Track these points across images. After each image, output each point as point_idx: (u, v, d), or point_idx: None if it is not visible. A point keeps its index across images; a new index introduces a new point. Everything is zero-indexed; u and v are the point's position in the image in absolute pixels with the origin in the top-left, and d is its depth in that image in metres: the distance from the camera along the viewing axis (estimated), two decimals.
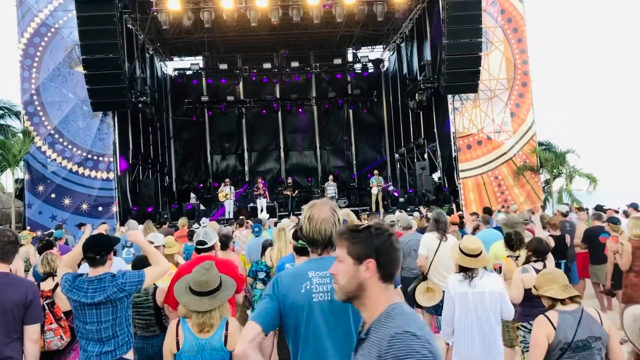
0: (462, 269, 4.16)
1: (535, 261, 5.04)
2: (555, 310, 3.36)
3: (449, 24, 16.37)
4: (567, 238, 7.90)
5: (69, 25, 16.87)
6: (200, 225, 12.45)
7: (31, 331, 3.60)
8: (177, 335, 3.30)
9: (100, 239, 4.01)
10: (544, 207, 13.56)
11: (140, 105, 18.80)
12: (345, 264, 1.95)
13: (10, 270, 3.85)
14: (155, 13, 17.33)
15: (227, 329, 3.32)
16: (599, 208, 10.35)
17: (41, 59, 17.13)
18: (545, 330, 3.29)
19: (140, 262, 4.62)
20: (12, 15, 17.09)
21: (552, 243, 7.40)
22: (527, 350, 4.75)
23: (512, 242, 5.75)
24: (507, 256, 5.79)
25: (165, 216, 16.83)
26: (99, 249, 3.74)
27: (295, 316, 2.44)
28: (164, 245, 5.78)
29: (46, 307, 4.27)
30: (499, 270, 5.62)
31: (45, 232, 12.74)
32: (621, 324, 1.80)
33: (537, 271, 4.79)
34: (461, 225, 9.61)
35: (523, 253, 5.60)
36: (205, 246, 4.78)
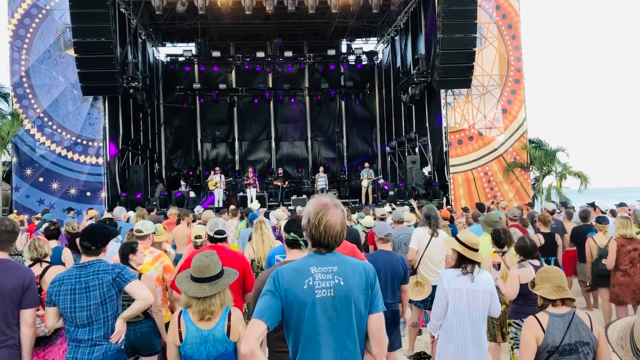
0: (461, 263, 4.14)
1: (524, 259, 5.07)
2: (546, 312, 3.37)
3: (444, 18, 16.34)
4: (557, 236, 7.95)
5: (60, 8, 16.64)
6: (194, 212, 12.39)
7: (27, 315, 3.78)
8: (179, 327, 3.27)
9: (99, 230, 4.01)
10: (532, 205, 13.64)
11: (131, 90, 18.62)
12: None
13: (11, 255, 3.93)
14: None
15: (229, 319, 3.29)
16: (588, 206, 10.41)
17: (31, 41, 16.90)
18: (534, 332, 3.31)
19: (127, 248, 4.60)
20: None
21: (541, 240, 7.47)
22: (516, 347, 4.79)
23: (501, 239, 5.78)
24: (494, 252, 5.82)
25: (154, 203, 16.72)
26: (95, 239, 3.76)
27: (298, 312, 2.41)
28: (154, 233, 5.74)
29: None
30: (498, 267, 5.65)
31: (35, 216, 12.62)
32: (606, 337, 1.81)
33: (535, 267, 4.81)
34: (451, 220, 9.66)
35: (511, 250, 5.63)
36: (224, 236, 4.77)
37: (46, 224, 8.04)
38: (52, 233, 6.73)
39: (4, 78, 17.43)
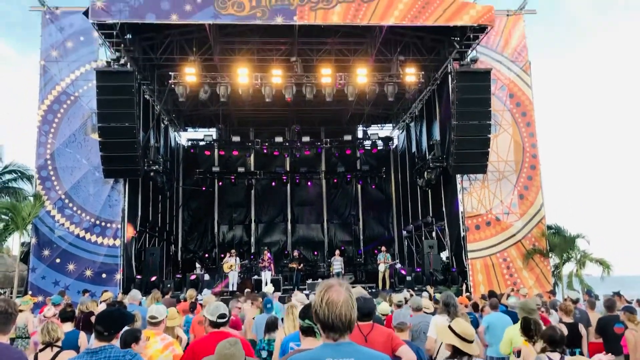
0: (456, 355, 3.99)
1: (551, 351, 4.86)
2: None
3: (459, 106, 16.73)
4: (581, 326, 7.66)
5: (88, 94, 17.39)
6: (202, 296, 12.25)
7: None
8: None
9: (114, 315, 3.97)
10: (554, 293, 13.27)
11: (152, 173, 19.03)
12: None
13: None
14: (173, 86, 17.88)
15: None
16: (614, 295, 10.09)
17: (58, 125, 17.55)
18: None
19: (131, 337, 4.51)
20: (35, 83, 17.68)
21: (564, 331, 7.18)
22: None
23: (531, 331, 5.56)
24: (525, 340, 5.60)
25: (169, 286, 16.60)
26: (109, 325, 3.72)
27: None
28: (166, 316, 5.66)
29: None
30: (517, 353, 5.43)
31: (49, 298, 12.55)
32: None
33: None
34: (475, 308, 9.38)
35: (539, 343, 5.42)
36: (226, 320, 4.70)
37: (53, 307, 8.01)
38: (67, 315, 6.67)
39: (30, 160, 17.93)
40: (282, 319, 6.55)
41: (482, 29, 16.59)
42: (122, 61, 16.27)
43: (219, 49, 18.73)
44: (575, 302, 8.85)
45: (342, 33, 18.95)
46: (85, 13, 15.56)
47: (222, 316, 4.66)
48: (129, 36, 16.85)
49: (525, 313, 6.14)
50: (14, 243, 19.12)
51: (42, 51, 17.75)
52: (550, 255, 18.21)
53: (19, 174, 19.22)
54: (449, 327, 4.10)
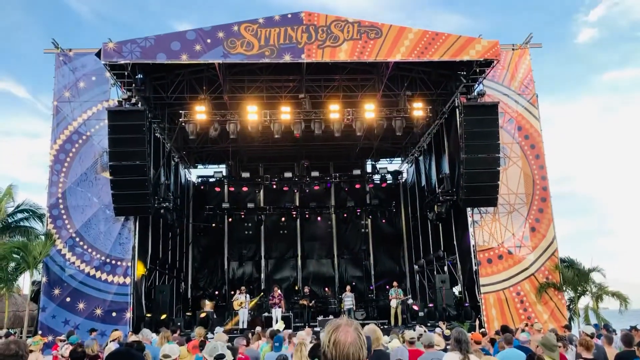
0: None
1: None
2: None
3: (467, 140, 16.77)
4: None
5: (99, 133, 17.64)
6: (214, 334, 12.13)
7: None
8: None
9: (125, 356, 3.94)
10: (569, 327, 12.98)
11: (162, 211, 19.12)
12: None
13: None
14: (183, 124, 18.12)
15: None
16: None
17: (70, 165, 17.75)
18: None
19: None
20: (47, 124, 18.00)
21: None
22: None
23: None
24: None
25: (178, 324, 16.47)
26: None
27: None
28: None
29: None
30: None
31: (59, 337, 12.48)
32: None
33: None
34: (492, 343, 9.21)
35: None
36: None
37: (70, 346, 7.97)
38: (78, 356, 6.63)
39: (41, 199, 18.08)
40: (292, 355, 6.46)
41: (488, 63, 16.77)
42: (133, 100, 16.54)
43: (229, 87, 19.04)
44: (591, 337, 8.63)
45: (349, 69, 19.24)
46: (98, 54, 15.94)
47: (219, 357, 4.59)
48: (140, 76, 17.21)
49: (549, 350, 6.00)
50: (25, 282, 19.16)
51: (55, 92, 18.10)
52: (564, 289, 17.91)
53: (31, 213, 19.34)
54: None
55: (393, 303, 19.12)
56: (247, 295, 18.84)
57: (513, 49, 19.24)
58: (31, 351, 7.99)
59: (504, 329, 10.60)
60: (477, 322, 16.05)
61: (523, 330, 11.13)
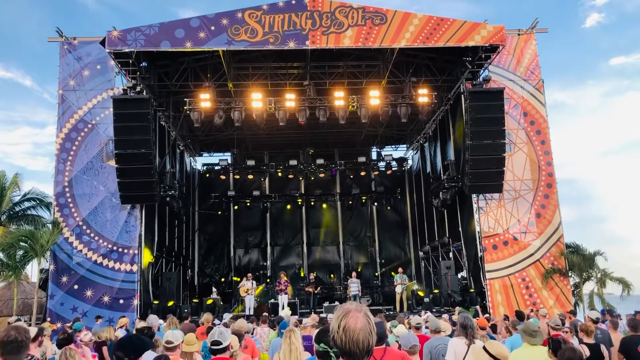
0: None
1: None
2: None
3: (472, 126, 16.69)
4: (603, 347, 7.49)
5: (105, 122, 17.65)
6: (222, 320, 12.23)
7: None
8: None
9: (135, 341, 3.99)
10: (574, 313, 12.99)
11: (168, 199, 19.18)
12: None
13: None
14: (188, 112, 18.11)
15: None
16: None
17: (76, 153, 17.79)
18: None
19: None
20: (53, 113, 18.01)
21: (586, 352, 7.03)
22: None
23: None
24: None
25: (186, 310, 16.59)
26: (129, 351, 3.72)
27: None
28: (182, 342, 5.66)
29: None
30: None
31: (67, 325, 12.63)
32: None
33: None
34: (493, 329, 9.26)
35: None
36: (220, 346, 4.67)
37: (89, 332, 8.06)
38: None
39: (48, 187, 18.18)
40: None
41: (493, 49, 16.64)
42: (138, 88, 16.54)
43: (233, 75, 19.00)
44: (596, 322, 8.65)
45: (354, 56, 19.14)
46: (102, 42, 15.90)
47: (215, 343, 4.62)
48: (144, 64, 17.19)
49: (529, 335, 6.03)
50: (33, 270, 19.31)
51: (60, 80, 18.09)
52: (570, 274, 17.92)
53: (38, 202, 19.46)
54: (484, 348, 4.07)
55: (398, 289, 19.20)
56: (254, 282, 18.94)
57: (519, 34, 19.08)
58: (36, 340, 8.08)
59: (517, 315, 10.62)
60: (482, 307, 16.09)
61: (529, 317, 11.16)
